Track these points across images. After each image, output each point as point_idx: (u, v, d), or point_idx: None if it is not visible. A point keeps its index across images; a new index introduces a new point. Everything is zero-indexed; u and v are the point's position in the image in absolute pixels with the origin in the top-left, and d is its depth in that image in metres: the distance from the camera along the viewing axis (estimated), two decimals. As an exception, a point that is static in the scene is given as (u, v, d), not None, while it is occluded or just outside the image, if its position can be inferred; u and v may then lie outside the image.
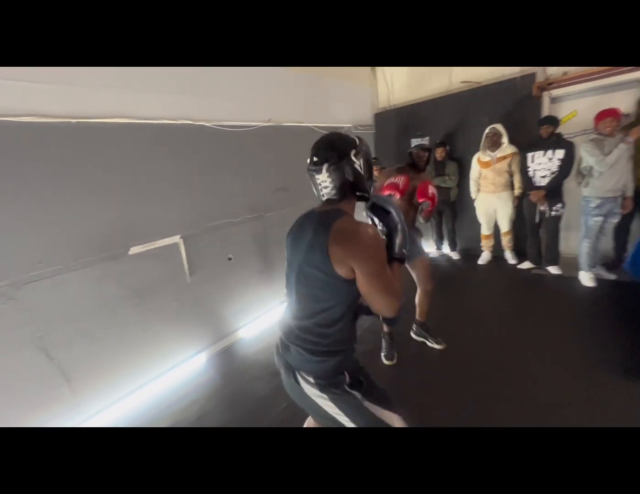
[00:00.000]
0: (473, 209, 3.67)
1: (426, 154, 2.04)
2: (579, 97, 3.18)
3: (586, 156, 2.64)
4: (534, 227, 3.19)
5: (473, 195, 3.60)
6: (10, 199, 1.65)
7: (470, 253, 3.92)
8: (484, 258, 3.69)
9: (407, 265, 2.02)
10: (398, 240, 0.99)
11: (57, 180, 1.81)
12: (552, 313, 2.50)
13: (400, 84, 4.26)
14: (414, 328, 2.35)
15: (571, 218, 3.14)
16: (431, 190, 1.91)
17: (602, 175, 2.58)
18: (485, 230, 3.63)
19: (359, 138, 0.99)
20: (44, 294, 1.76)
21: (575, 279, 2.92)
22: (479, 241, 3.74)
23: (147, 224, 2.19)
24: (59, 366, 1.82)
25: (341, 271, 0.87)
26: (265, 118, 2.96)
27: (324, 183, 0.95)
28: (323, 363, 0.95)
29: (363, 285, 0.86)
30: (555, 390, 1.74)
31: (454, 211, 3.85)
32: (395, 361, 2.15)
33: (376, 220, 1.04)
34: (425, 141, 2.01)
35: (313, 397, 0.97)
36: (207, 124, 2.51)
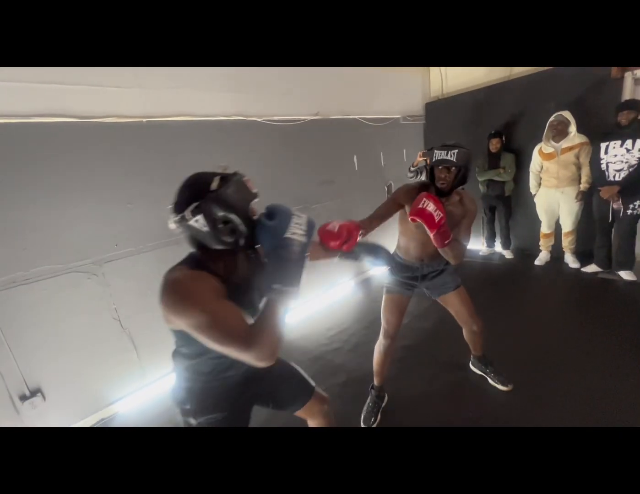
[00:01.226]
0: (531, 204, 3.38)
1: (450, 175, 1.39)
2: (672, 78, 2.75)
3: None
4: (604, 226, 2.85)
5: (533, 190, 3.30)
6: (95, 191, 1.92)
7: (526, 252, 3.64)
8: (542, 258, 3.40)
9: (439, 301, 1.70)
10: (268, 270, 0.77)
11: (130, 174, 2.05)
12: (623, 323, 2.23)
13: (455, 71, 4.02)
14: (472, 359, 1.97)
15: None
16: (426, 205, 1.28)
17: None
18: (545, 228, 3.33)
19: (223, 181, 0.79)
20: (119, 272, 2.03)
21: (653, 287, 2.58)
22: (537, 239, 3.44)
23: (203, 213, 2.39)
24: (130, 335, 2.10)
25: (176, 326, 0.79)
26: (313, 111, 3.01)
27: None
28: (176, 387, 0.99)
29: (202, 340, 0.74)
30: (622, 416, 1.59)
31: (509, 206, 3.58)
32: (375, 425, 1.70)
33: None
34: (451, 155, 1.36)
35: None
36: (258, 119, 2.63)
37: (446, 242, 1.34)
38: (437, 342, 2.31)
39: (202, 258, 0.84)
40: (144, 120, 2.08)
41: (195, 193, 0.77)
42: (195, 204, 0.75)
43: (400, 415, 1.74)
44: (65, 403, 1.90)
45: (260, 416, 1.81)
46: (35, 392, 1.81)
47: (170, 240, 2.23)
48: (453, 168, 1.38)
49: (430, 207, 1.28)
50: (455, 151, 1.36)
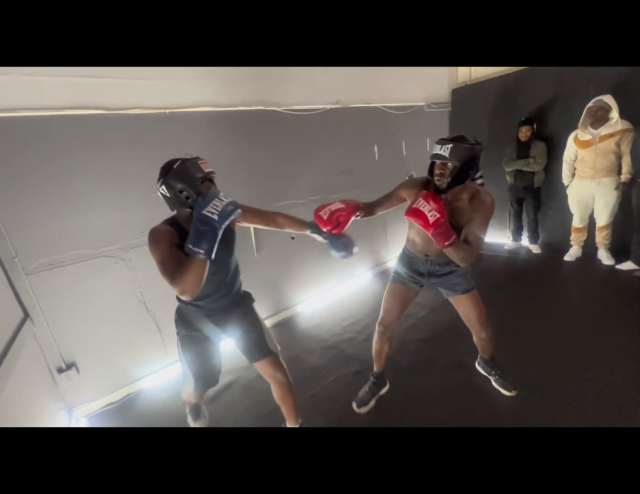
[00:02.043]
0: (562, 196, 3.19)
1: (446, 171, 1.29)
2: None
3: None
4: (644, 221, 2.65)
5: (565, 180, 3.10)
6: (121, 179, 2.02)
7: (555, 247, 3.46)
8: (572, 254, 3.22)
9: (450, 300, 1.62)
10: (190, 233, 1.03)
11: (154, 164, 2.13)
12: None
13: (485, 54, 3.81)
14: (479, 359, 1.87)
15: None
16: (421, 205, 1.23)
17: None
18: (577, 222, 3.13)
19: (180, 163, 1.14)
20: (143, 257, 2.13)
21: (697, 288, 2.38)
22: (567, 234, 3.26)
23: (223, 202, 2.45)
24: (154, 318, 2.23)
25: None
26: (333, 100, 2.97)
27: None
28: None
29: None
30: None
31: (538, 198, 3.39)
32: (366, 410, 1.73)
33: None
34: (445, 151, 1.26)
35: None
36: (277, 109, 2.64)
37: (446, 244, 1.26)
38: (453, 336, 2.27)
39: (175, 216, 1.22)
40: (167, 111, 2.14)
41: (164, 171, 1.15)
42: (162, 179, 1.13)
43: (410, 409, 1.74)
44: (96, 378, 2.06)
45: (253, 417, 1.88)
46: (70, 366, 1.97)
47: (192, 228, 2.32)
48: (449, 164, 1.28)
49: (425, 207, 1.22)
50: (449, 146, 1.25)
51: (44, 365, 1.88)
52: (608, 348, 1.95)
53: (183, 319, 1.35)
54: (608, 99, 2.66)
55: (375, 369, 1.79)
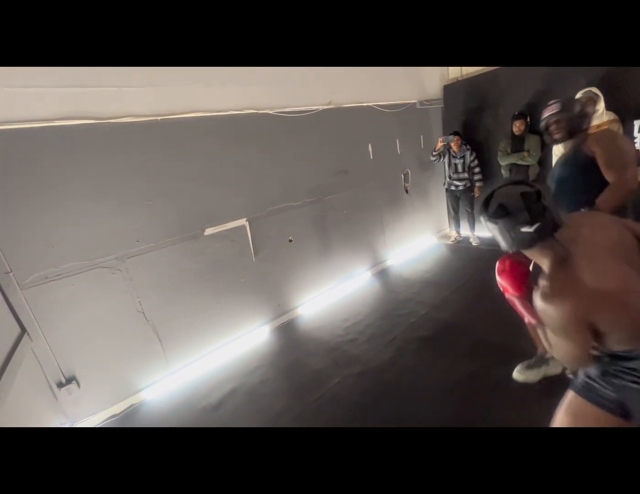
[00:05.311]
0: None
1: None
2: None
3: None
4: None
5: None
6: (116, 189, 2.00)
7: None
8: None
9: None
10: None
11: (148, 172, 2.12)
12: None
13: (475, 49, 3.81)
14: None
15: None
16: None
17: None
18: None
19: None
20: (141, 267, 2.12)
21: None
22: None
23: (218, 208, 2.43)
24: (154, 327, 2.21)
25: None
26: (325, 101, 2.97)
27: None
28: None
29: None
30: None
31: (534, 192, 3.40)
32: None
33: None
34: None
35: None
36: (270, 112, 2.63)
37: None
38: (455, 333, 2.27)
39: None
40: (159, 118, 2.12)
41: None
42: None
43: (412, 408, 1.74)
44: (97, 390, 2.03)
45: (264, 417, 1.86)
46: (70, 380, 1.94)
47: (188, 235, 2.30)
48: None
49: None
50: None
51: (44, 381, 1.85)
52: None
53: None
54: (596, 90, 2.66)
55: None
